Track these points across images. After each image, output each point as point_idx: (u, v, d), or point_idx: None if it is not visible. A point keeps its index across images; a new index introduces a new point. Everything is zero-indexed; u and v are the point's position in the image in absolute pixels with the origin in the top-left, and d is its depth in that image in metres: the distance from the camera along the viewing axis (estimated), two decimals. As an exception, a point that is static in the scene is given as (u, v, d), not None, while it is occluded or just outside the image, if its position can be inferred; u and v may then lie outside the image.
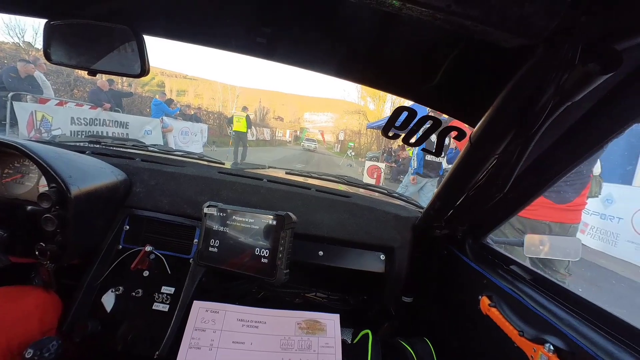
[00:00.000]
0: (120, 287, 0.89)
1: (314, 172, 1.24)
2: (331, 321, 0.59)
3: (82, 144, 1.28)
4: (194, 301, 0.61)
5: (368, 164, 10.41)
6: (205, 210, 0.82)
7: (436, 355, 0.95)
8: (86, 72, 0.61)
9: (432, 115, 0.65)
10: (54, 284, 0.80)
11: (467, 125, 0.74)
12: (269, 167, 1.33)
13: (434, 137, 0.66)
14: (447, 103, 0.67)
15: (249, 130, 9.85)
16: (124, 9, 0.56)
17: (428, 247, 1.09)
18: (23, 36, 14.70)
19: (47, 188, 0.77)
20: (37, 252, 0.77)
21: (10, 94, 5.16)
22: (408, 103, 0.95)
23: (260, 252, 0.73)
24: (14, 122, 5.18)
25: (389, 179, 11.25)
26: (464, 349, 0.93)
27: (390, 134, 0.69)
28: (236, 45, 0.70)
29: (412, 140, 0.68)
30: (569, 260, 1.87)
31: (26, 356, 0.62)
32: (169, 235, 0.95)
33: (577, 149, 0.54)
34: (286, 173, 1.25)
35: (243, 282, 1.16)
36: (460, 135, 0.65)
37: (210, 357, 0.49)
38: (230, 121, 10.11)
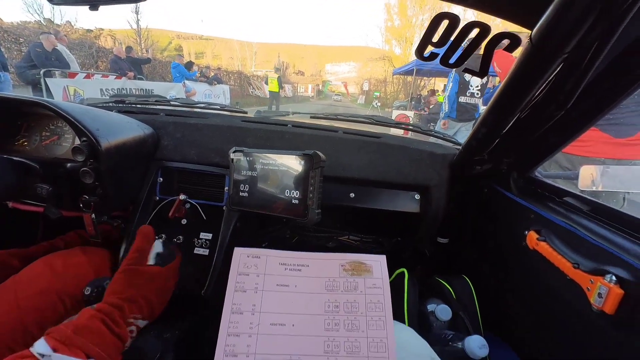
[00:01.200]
0: (163, 235, 0.93)
1: (340, 114, 1.16)
2: (377, 262, 0.56)
3: (108, 104, 1.30)
4: (235, 248, 0.60)
5: (395, 113, 9.84)
6: (232, 155, 0.80)
7: (476, 292, 0.93)
8: (88, 7, 0.57)
9: (479, 21, 0.54)
10: (100, 236, 0.86)
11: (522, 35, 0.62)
12: (293, 113, 1.28)
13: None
14: (499, 2, 0.55)
15: (280, 89, 11.03)
16: None
17: (467, 185, 1.02)
18: (42, 12, 14.81)
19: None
20: (81, 205, 0.81)
21: (42, 71, 5.34)
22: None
23: (290, 193, 0.71)
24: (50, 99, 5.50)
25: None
26: (506, 286, 0.90)
27: (426, 54, 0.59)
28: None
29: (452, 59, 0.59)
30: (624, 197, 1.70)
31: (85, 293, 0.68)
32: (200, 184, 0.96)
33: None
34: (311, 117, 1.19)
35: (277, 227, 1.18)
36: (514, 43, 0.54)
37: (257, 299, 0.49)
38: (265, 82, 11.56)
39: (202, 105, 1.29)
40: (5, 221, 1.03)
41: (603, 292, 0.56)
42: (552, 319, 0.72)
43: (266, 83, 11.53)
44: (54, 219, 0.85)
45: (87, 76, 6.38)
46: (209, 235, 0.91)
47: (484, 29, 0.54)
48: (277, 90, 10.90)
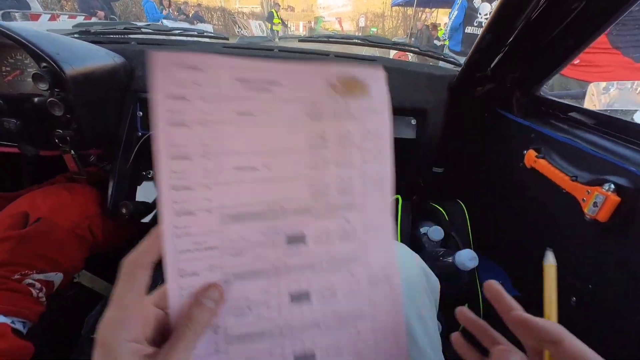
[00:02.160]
0: (151, 171, 0.90)
1: (332, 35, 1.05)
2: (375, 78, 0.36)
3: (72, 35, 1.16)
4: (151, 52, 0.29)
5: (393, 52, 9.22)
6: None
7: (469, 215, 0.94)
8: None
9: None
10: (84, 172, 0.82)
11: None
12: (280, 38, 1.15)
13: None
14: None
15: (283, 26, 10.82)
16: None
17: (466, 109, 0.97)
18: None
19: None
20: (57, 140, 0.76)
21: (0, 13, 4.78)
22: None
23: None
24: (12, 45, 5.04)
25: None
26: (499, 206, 0.91)
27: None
28: None
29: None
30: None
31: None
32: None
33: None
34: (299, 41, 1.08)
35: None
36: None
37: (207, 135, 0.30)
38: (270, 17, 10.78)
39: (178, 31, 1.15)
40: None
41: (599, 200, 0.55)
42: (542, 234, 0.73)
43: (269, 21, 10.93)
44: (31, 156, 0.81)
45: (52, 17, 5.70)
46: None
47: None
48: (279, 29, 10.62)
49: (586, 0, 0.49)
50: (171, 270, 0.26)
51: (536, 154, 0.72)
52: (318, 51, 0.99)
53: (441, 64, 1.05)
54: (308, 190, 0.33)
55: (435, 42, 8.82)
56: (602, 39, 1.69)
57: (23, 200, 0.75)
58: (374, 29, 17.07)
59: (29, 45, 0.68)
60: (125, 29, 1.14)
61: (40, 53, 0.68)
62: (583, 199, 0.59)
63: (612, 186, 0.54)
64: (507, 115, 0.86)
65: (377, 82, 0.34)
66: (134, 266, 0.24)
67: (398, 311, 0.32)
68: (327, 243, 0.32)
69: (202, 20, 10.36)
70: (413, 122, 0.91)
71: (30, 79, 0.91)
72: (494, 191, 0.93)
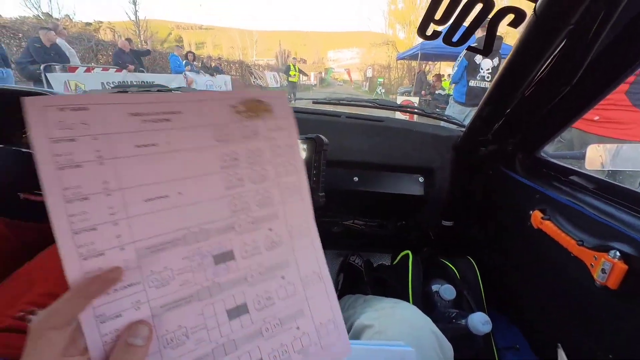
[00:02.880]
0: None
1: (343, 98, 1.15)
2: (278, 99, 0.39)
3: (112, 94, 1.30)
4: (26, 100, 0.29)
5: (400, 99, 9.38)
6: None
7: (480, 273, 0.94)
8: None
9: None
10: None
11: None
12: (296, 100, 1.27)
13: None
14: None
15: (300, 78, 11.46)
16: None
17: (471, 167, 1.02)
18: (39, 7, 14.68)
19: None
20: None
21: (42, 66, 5.30)
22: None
23: (294, 177, 0.72)
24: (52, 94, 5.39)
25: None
26: (510, 265, 0.91)
27: (429, 33, 0.58)
28: None
29: (455, 37, 0.58)
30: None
31: None
32: None
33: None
34: (313, 102, 1.18)
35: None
36: (518, 17, 0.53)
37: (107, 172, 0.29)
38: (287, 70, 11.24)
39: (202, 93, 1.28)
40: (16, 212, 1.05)
41: (607, 267, 0.56)
42: (555, 296, 0.73)
43: (286, 73, 11.44)
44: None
45: (88, 70, 6.32)
46: None
47: (488, 4, 0.53)
48: (297, 80, 11.18)
49: (572, 86, 0.55)
50: (86, 319, 0.24)
51: (542, 215, 0.75)
52: (331, 112, 1.08)
53: (444, 123, 1.13)
54: (228, 209, 0.33)
55: (440, 92, 9.27)
56: (621, 97, 1.73)
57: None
58: (381, 79, 18.17)
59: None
60: (158, 90, 1.27)
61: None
62: (591, 264, 0.60)
63: (618, 254, 0.55)
64: (511, 174, 0.90)
65: (280, 102, 0.37)
66: (44, 329, 0.21)
67: (334, 304, 0.34)
68: (255, 254, 0.32)
69: (220, 72, 11.09)
70: (421, 179, 0.95)
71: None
72: (504, 249, 0.93)
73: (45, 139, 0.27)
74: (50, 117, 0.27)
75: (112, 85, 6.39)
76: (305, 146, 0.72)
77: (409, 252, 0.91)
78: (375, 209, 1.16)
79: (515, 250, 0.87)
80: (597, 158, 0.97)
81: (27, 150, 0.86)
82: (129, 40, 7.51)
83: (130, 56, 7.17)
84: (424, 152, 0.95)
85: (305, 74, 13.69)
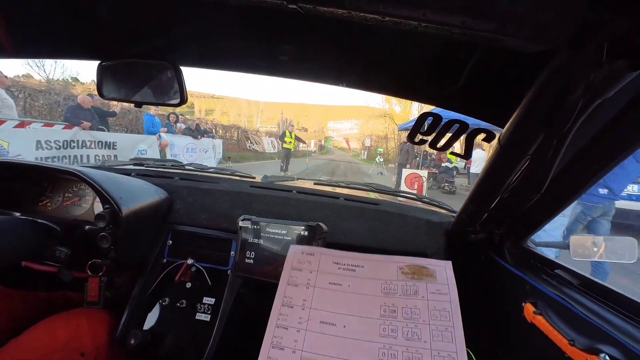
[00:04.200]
0: (167, 299, 0.95)
1: (342, 181, 1.25)
2: (441, 267, 0.51)
3: (127, 166, 1.41)
4: (291, 245, 0.64)
5: (406, 172, 9.03)
6: (241, 223, 0.86)
7: (480, 365, 0.90)
8: (133, 104, 0.69)
9: (458, 119, 0.65)
10: (102, 301, 0.88)
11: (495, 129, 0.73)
12: (298, 179, 1.37)
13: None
14: (471, 106, 0.66)
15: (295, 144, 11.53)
16: (164, 46, 0.62)
17: (464, 252, 1.06)
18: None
19: (101, 209, 0.86)
20: (88, 269, 0.85)
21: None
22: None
23: (294, 262, 0.76)
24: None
25: (433, 187, 9.57)
26: (508, 358, 0.88)
27: (417, 140, 0.69)
28: (261, 66, 0.75)
29: (439, 144, 0.68)
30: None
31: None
32: (208, 248, 1.00)
33: (619, 144, 0.51)
34: (314, 184, 1.28)
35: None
36: (489, 137, 0.64)
37: (308, 294, 0.48)
38: (283, 136, 11.16)
39: (213, 170, 1.39)
40: (14, 278, 1.05)
41: (600, 372, 0.56)
42: None
43: (281, 139, 11.29)
44: (66, 280, 0.88)
45: (21, 125, 5.05)
46: (212, 300, 0.93)
47: (463, 125, 0.65)
48: (292, 148, 11.09)
49: (541, 194, 0.63)
50: None
51: (534, 309, 0.76)
52: (330, 193, 1.17)
53: (436, 209, 1.21)
54: (377, 355, 0.40)
55: (447, 164, 9.36)
56: None
57: (45, 326, 0.79)
58: (381, 149, 19.16)
59: (103, 192, 0.84)
60: (172, 165, 1.38)
61: (109, 198, 0.84)
62: (586, 367, 0.60)
63: (607, 358, 0.56)
64: (502, 262, 0.93)
65: (444, 270, 0.53)
66: None
67: None
68: None
69: (208, 135, 10.21)
70: (415, 264, 0.99)
71: (85, 205, 1.08)
72: (500, 341, 0.92)
73: (289, 266, 0.51)
74: (297, 254, 0.54)
75: (53, 145, 5.28)
76: (306, 233, 0.77)
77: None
78: None
79: (512, 343, 0.86)
80: (581, 248, 1.03)
81: (41, 221, 0.90)
82: (91, 95, 6.38)
83: (90, 113, 6.12)
84: (418, 237, 1.00)
85: (303, 142, 14.31)
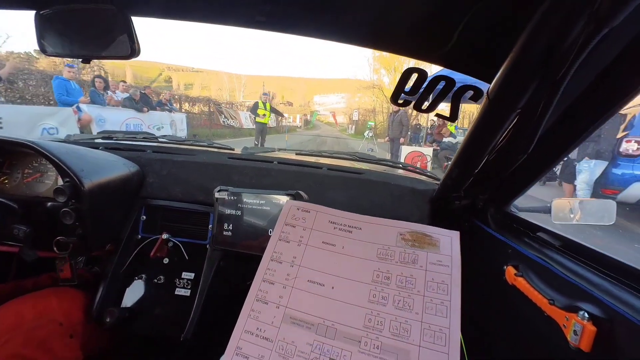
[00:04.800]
0: (143, 275, 0.91)
1: (325, 151, 1.21)
2: (447, 237, 0.47)
3: (95, 140, 1.31)
4: (287, 200, 0.62)
5: (406, 150, 7.74)
6: (217, 195, 0.81)
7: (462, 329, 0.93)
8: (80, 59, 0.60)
9: (444, 74, 0.60)
10: (75, 278, 0.83)
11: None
12: (279, 150, 1.32)
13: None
14: (461, 61, 0.61)
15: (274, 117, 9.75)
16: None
17: (448, 220, 1.05)
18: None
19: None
20: (54, 247, 0.79)
21: None
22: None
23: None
24: None
25: (434, 167, 7.49)
26: (488, 322, 0.91)
27: (400, 101, 0.64)
28: (237, 16, 0.65)
29: (424, 106, 0.64)
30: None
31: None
32: (185, 222, 0.96)
33: (614, 94, 0.47)
34: (296, 154, 1.23)
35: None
36: (477, 94, 0.60)
37: (298, 252, 0.46)
38: (255, 108, 8.69)
39: (190, 142, 1.31)
40: None
41: (578, 329, 0.57)
42: (534, 356, 0.72)
43: (253, 112, 8.85)
44: (30, 261, 0.82)
45: None
46: (191, 275, 0.89)
47: (450, 81, 0.60)
48: (267, 122, 8.90)
49: (528, 154, 0.61)
50: (231, 346, 0.32)
51: (515, 271, 0.77)
52: (313, 164, 1.12)
53: (421, 177, 1.19)
54: (362, 321, 0.38)
55: (450, 139, 7.79)
56: None
57: (12, 307, 0.74)
58: (371, 123, 17.95)
59: (60, 163, 0.77)
60: (144, 137, 1.29)
61: (68, 170, 0.77)
62: (564, 325, 0.61)
63: (587, 315, 0.57)
64: (485, 228, 0.93)
65: (449, 241, 0.48)
66: None
67: None
68: None
69: (166, 108, 8.48)
70: (399, 232, 0.97)
71: (48, 181, 1.00)
72: (482, 304, 0.93)
73: (282, 221, 0.49)
74: (292, 210, 0.50)
75: None
76: (285, 200, 0.73)
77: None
78: None
79: (493, 306, 0.88)
80: (562, 212, 1.04)
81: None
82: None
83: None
84: (402, 206, 0.98)
85: (281, 114, 12.26)
